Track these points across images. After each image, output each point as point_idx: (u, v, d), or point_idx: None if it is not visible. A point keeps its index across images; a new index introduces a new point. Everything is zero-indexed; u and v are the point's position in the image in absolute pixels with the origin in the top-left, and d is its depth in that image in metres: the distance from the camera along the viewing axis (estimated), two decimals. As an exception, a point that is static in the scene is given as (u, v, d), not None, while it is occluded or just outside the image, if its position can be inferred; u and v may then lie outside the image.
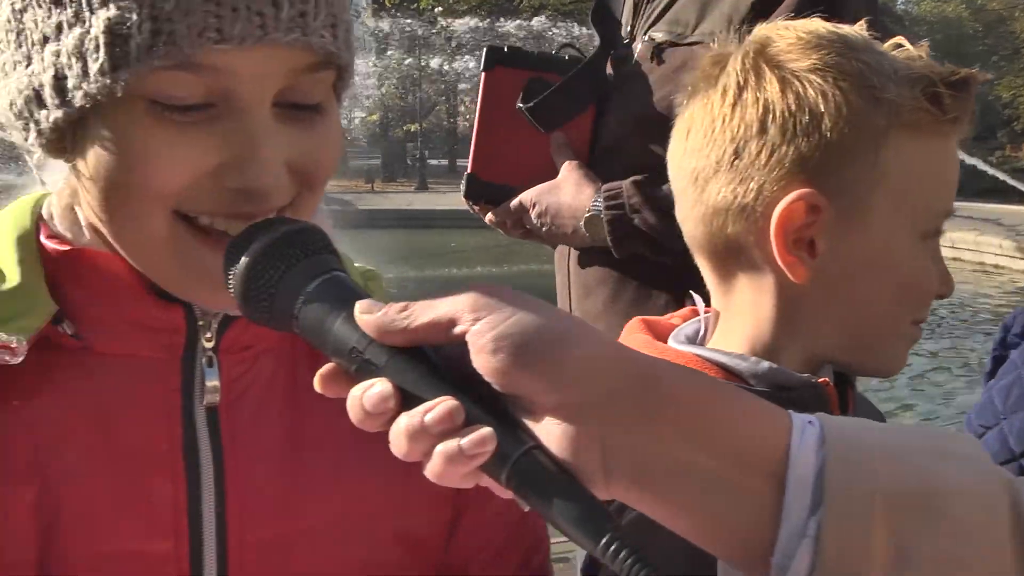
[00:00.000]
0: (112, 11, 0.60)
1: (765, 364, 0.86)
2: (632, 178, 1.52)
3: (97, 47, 0.60)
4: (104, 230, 0.68)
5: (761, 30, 0.89)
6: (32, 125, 0.66)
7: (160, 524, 0.69)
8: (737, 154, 0.85)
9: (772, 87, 0.84)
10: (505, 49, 1.76)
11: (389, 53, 26.54)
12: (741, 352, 0.88)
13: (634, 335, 0.93)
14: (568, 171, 1.62)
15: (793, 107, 0.83)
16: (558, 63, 1.72)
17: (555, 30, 21.34)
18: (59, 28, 0.62)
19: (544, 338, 0.50)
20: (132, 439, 0.69)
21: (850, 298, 0.87)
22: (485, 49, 1.78)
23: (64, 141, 0.66)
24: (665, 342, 0.93)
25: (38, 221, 0.73)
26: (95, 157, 0.64)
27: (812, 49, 0.84)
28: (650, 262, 1.55)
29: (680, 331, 0.94)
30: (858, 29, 0.88)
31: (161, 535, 0.69)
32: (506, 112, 1.68)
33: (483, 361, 0.49)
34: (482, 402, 0.50)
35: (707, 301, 0.95)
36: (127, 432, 0.69)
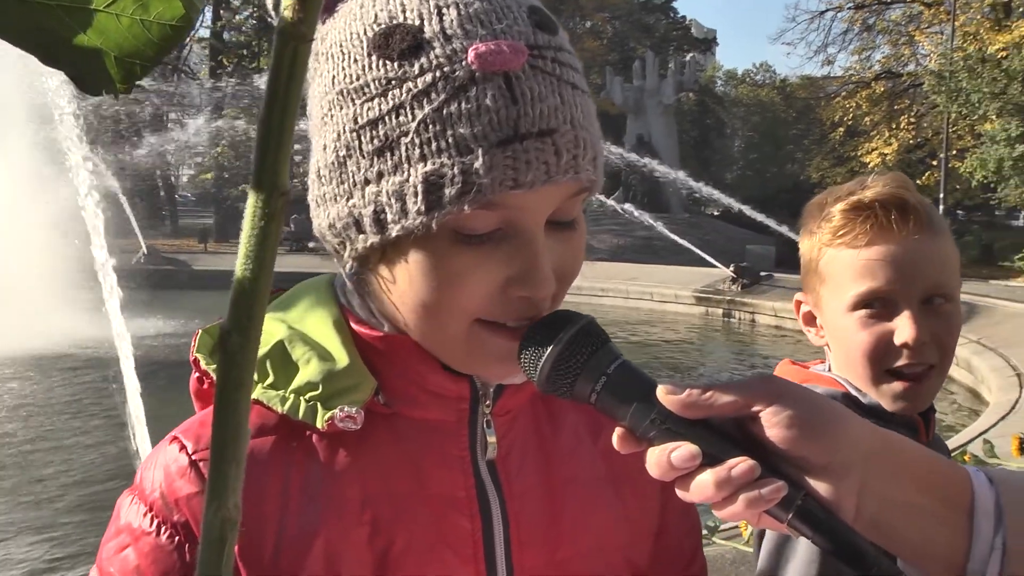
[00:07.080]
0: (429, 166, 0.71)
1: (873, 400, 1.28)
2: None
3: (416, 193, 0.71)
4: (406, 328, 0.82)
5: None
6: (348, 244, 0.78)
7: (464, 554, 0.84)
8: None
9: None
10: None
11: (224, 112, 26.36)
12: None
13: (787, 368, 1.41)
14: None
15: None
16: None
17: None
18: (380, 175, 0.73)
19: (821, 417, 0.69)
20: (438, 487, 0.84)
21: (843, 356, 1.32)
22: None
23: (372, 257, 0.79)
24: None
25: (342, 309, 0.87)
26: (406, 276, 0.76)
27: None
28: None
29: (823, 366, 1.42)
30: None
31: (465, 562, 0.84)
32: None
33: (777, 433, 0.67)
34: (760, 459, 0.68)
35: None
36: (433, 481, 0.84)
